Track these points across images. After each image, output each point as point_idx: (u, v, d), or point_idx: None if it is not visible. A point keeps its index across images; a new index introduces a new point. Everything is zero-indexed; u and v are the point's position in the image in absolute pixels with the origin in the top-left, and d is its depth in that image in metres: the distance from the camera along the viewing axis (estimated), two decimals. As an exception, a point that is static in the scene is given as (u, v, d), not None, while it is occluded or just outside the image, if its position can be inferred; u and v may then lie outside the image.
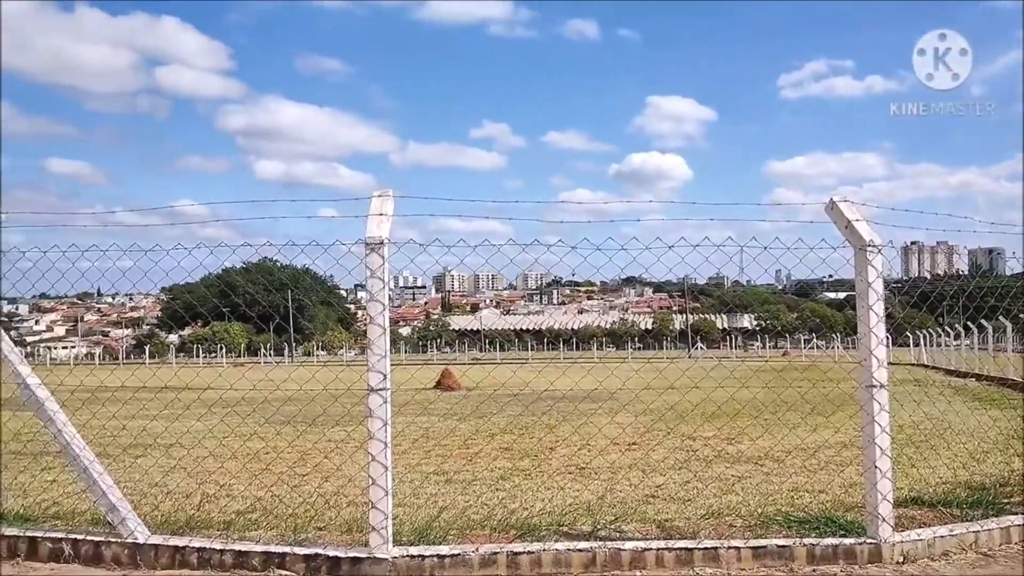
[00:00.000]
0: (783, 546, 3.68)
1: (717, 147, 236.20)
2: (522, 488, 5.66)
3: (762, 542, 3.73)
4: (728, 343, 75.66)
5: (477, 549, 3.58)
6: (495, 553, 3.55)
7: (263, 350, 57.61)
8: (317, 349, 65.46)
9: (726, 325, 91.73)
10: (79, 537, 3.82)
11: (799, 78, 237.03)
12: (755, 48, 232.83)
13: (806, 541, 3.73)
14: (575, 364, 29.47)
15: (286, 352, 57.99)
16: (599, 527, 4.23)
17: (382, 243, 3.60)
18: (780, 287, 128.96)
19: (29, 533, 3.90)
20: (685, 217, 4.33)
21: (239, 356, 60.46)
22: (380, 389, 3.55)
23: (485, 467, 6.63)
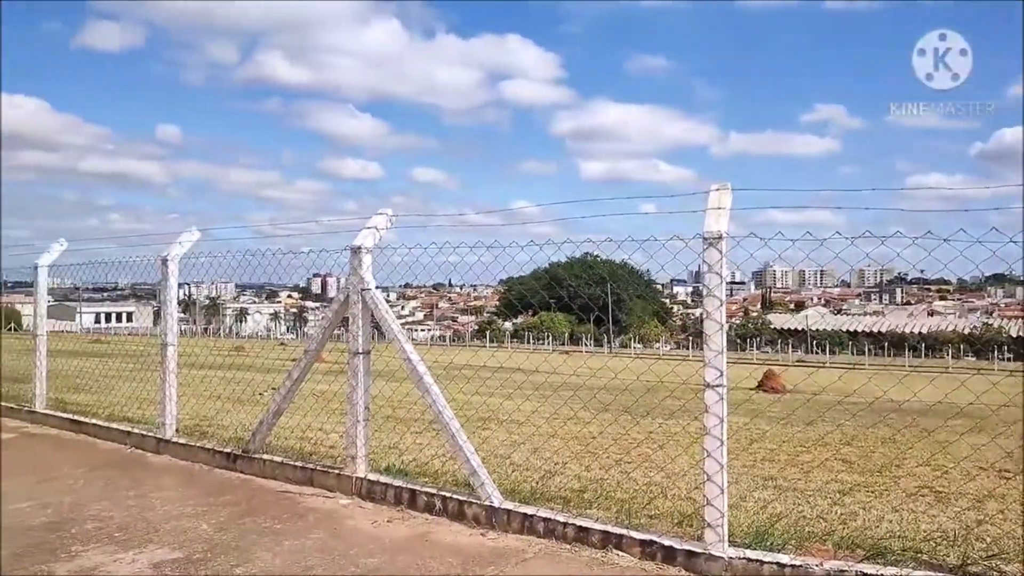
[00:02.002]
0: None
1: None
2: (864, 506, 5.13)
3: None
4: None
5: (821, 564, 3.33)
6: (842, 571, 3.27)
7: (584, 340, 60.53)
8: (633, 341, 66.74)
9: None
10: (447, 495, 4.40)
11: None
12: None
13: None
14: (918, 372, 25.82)
15: (605, 343, 60.18)
16: (969, 561, 3.65)
17: (720, 237, 3.53)
18: None
19: (410, 486, 4.61)
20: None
21: (562, 344, 64.35)
22: (717, 385, 3.49)
23: (820, 478, 6.15)
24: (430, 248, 4.93)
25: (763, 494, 5.40)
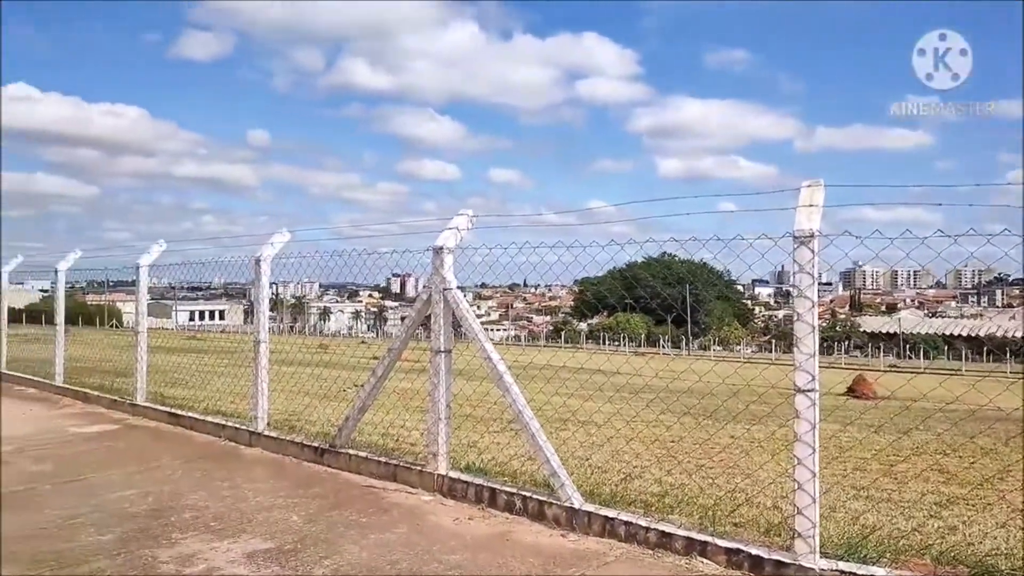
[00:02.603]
0: None
1: None
2: (966, 520, 4.85)
3: None
4: None
5: (921, 580, 3.17)
6: (944, 588, 3.10)
7: (661, 341, 59.58)
8: (713, 344, 65.22)
9: None
10: (527, 495, 4.41)
11: None
12: None
13: None
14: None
15: (683, 344, 59.05)
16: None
17: (812, 236, 3.40)
18: None
19: (491, 484, 4.64)
20: None
21: (639, 346, 63.52)
22: (808, 390, 3.36)
23: (916, 489, 5.85)
24: (510, 248, 4.95)
25: (855, 505, 5.19)
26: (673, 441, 7.22)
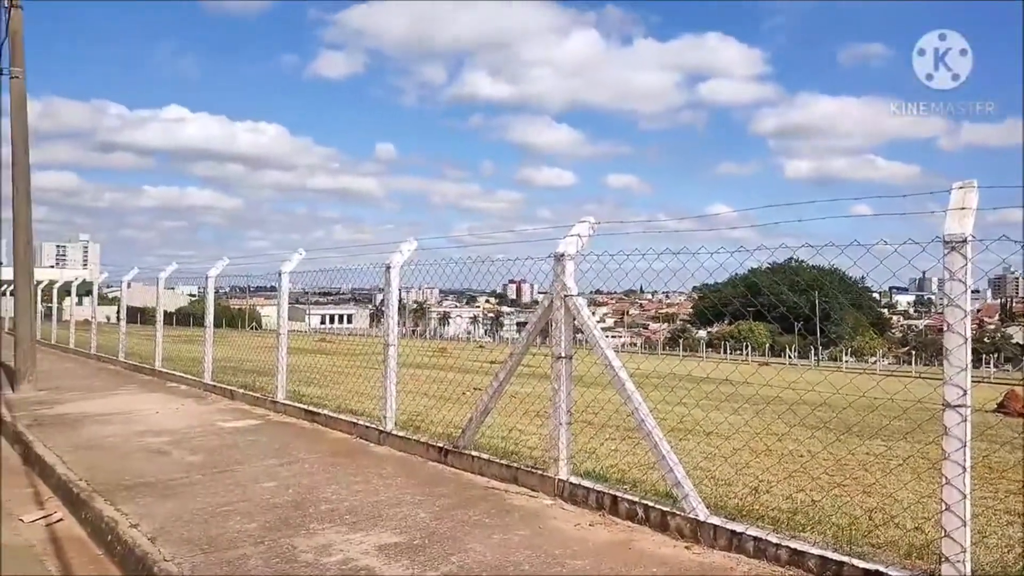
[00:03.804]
0: None
1: None
2: None
3: None
4: None
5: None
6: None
7: (787, 351, 56.93)
8: (845, 355, 61.61)
9: None
10: (650, 504, 4.36)
11: None
12: None
13: None
14: None
15: (811, 355, 56.16)
16: None
17: (965, 241, 3.17)
18: None
19: (612, 492, 4.62)
20: None
21: (762, 355, 60.99)
22: (959, 406, 3.13)
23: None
24: (618, 255, 4.94)
25: (1009, 531, 4.76)
26: (805, 456, 6.89)
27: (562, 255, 5.01)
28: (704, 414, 9.33)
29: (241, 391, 9.82)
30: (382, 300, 7.12)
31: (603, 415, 7.62)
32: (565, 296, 4.98)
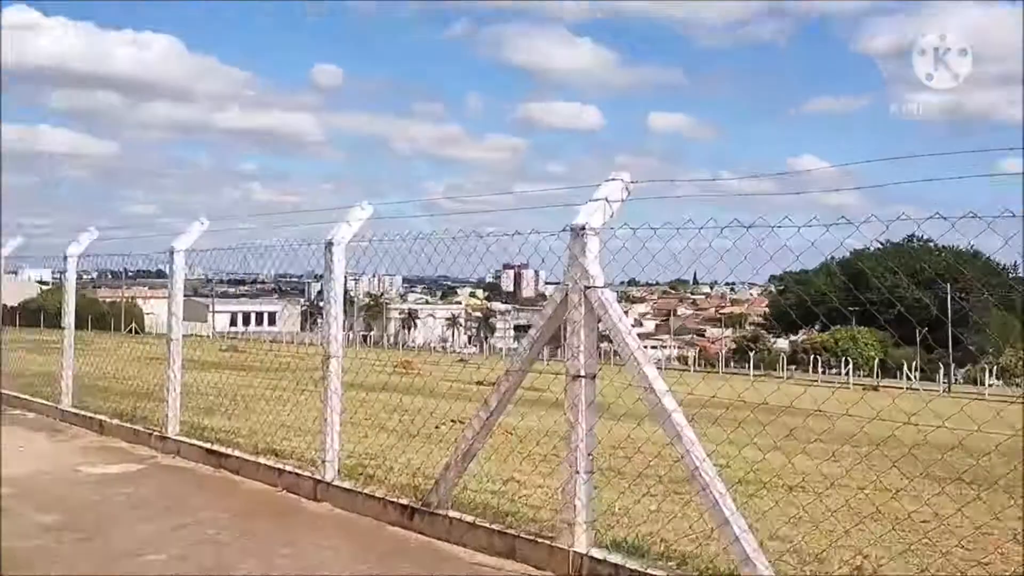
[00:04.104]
0: None
1: None
2: None
3: None
4: None
5: None
6: None
7: (904, 370, 57.06)
8: (989, 375, 61.72)
9: None
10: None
11: None
12: None
13: None
14: None
15: (940, 376, 56.30)
16: None
17: None
18: None
19: (653, 572, 4.64)
20: None
21: (869, 375, 61.17)
22: None
23: None
24: (684, 229, 4.94)
25: None
26: (929, 522, 6.91)
27: (583, 228, 5.01)
28: (786, 460, 9.33)
29: (115, 422, 9.83)
30: (320, 292, 7.13)
31: (639, 461, 7.64)
32: (586, 288, 4.99)
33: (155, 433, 9.01)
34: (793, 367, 70.25)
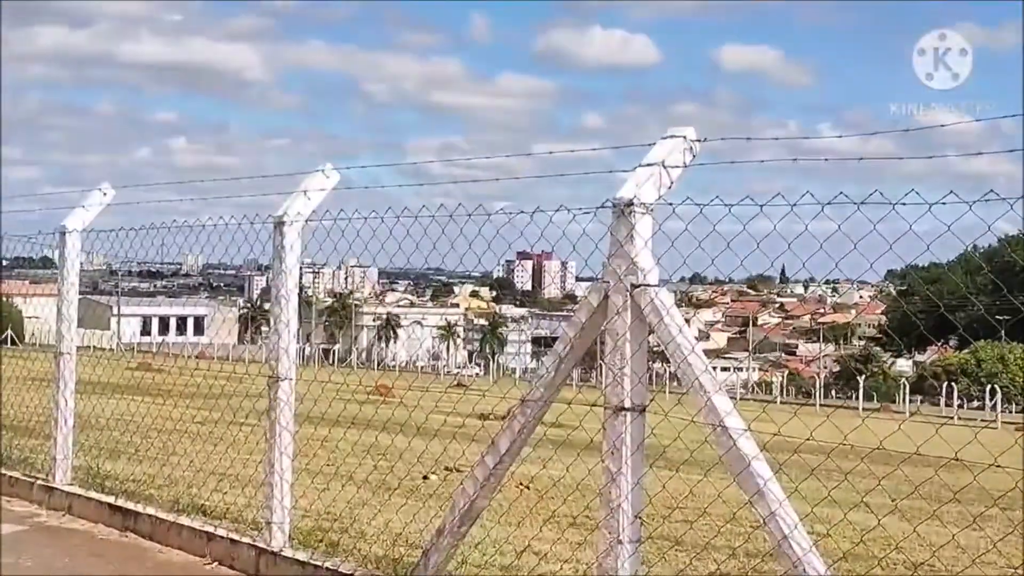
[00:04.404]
0: None
1: None
2: None
3: None
4: None
5: None
6: None
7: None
8: None
9: None
10: None
11: None
12: None
13: None
14: None
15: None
16: None
17: None
18: None
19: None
20: None
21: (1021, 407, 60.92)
22: None
23: None
24: (769, 205, 4.92)
25: None
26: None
27: (630, 204, 5.00)
28: (908, 527, 9.32)
29: (-17, 467, 9.86)
30: (266, 290, 7.14)
31: (704, 525, 7.65)
32: (634, 287, 4.98)
33: (37, 482, 9.04)
34: (919, 397, 70.03)
